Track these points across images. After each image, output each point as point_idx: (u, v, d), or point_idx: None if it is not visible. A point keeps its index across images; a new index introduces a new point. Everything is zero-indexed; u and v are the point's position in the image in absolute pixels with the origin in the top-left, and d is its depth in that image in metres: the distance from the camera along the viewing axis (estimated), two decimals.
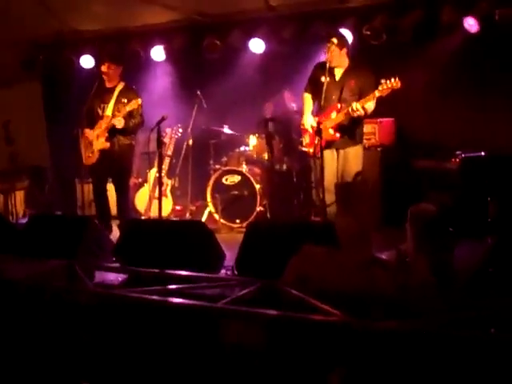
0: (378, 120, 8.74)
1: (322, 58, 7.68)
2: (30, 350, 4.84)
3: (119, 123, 8.30)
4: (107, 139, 8.44)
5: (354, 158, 7.56)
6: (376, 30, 9.02)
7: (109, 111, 8.52)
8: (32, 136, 11.42)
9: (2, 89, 11.18)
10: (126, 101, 8.42)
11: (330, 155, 7.52)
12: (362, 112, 7.30)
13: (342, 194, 6.65)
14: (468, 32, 8.62)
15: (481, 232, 6.92)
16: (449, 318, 3.92)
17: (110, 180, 8.95)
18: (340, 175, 7.58)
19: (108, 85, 8.65)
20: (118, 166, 8.65)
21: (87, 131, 8.56)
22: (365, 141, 8.46)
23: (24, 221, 8.49)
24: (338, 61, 7.54)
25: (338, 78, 7.63)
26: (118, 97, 8.55)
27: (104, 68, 8.60)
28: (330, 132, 7.49)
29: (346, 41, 7.83)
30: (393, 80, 7.21)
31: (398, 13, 9.01)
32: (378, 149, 8.73)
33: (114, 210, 8.94)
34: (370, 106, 7.36)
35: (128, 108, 8.30)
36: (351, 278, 4.69)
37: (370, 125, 8.76)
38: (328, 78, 7.36)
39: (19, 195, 10.58)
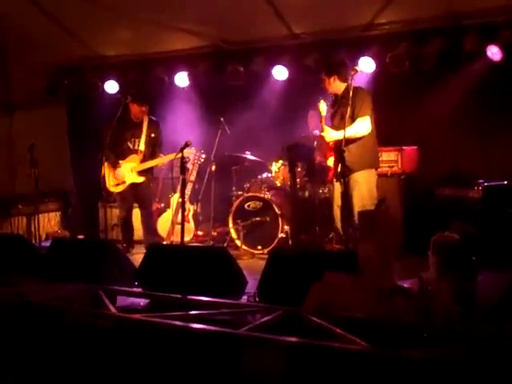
0: (401, 148, 8.72)
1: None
2: (50, 372, 4.86)
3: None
4: (140, 174, 8.99)
5: (365, 182, 7.55)
6: (399, 58, 9.03)
7: (142, 146, 9.06)
8: (56, 160, 11.51)
9: (27, 113, 11.33)
10: (153, 135, 9.12)
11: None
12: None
13: (365, 221, 6.63)
14: (491, 60, 8.61)
15: (504, 261, 6.89)
16: (471, 347, 3.91)
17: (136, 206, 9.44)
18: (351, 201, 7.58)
19: (135, 120, 9.10)
20: (145, 194, 9.30)
21: (121, 162, 9.00)
22: (387, 168, 8.46)
23: (47, 244, 8.53)
24: (331, 89, 7.75)
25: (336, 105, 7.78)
26: (147, 132, 9.10)
27: (133, 107, 9.04)
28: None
29: (335, 68, 7.89)
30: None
31: (421, 41, 9.01)
32: (401, 177, 8.69)
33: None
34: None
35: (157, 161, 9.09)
36: (373, 305, 4.69)
37: (393, 152, 8.73)
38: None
39: (42, 218, 10.65)
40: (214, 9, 8.86)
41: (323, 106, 7.70)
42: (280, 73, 9.95)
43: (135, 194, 9.18)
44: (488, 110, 8.92)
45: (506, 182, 7.88)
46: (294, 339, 4.12)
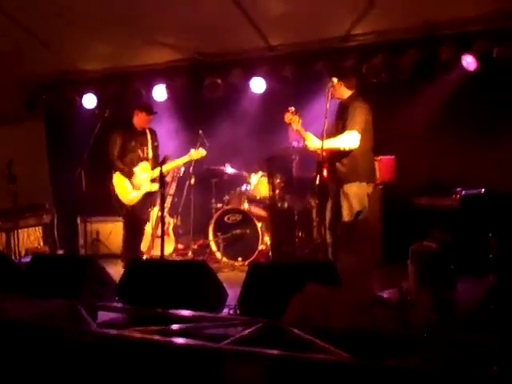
0: (379, 158, 8.73)
1: (322, 96, 7.70)
2: None
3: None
4: (153, 182, 8.99)
5: (355, 195, 7.56)
6: (376, 69, 9.10)
7: (150, 154, 9.10)
8: (35, 174, 11.46)
9: (5, 127, 11.25)
10: (156, 144, 9.17)
11: (333, 191, 7.58)
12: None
13: (344, 232, 6.67)
14: (467, 70, 8.69)
15: (482, 269, 6.94)
16: (450, 356, 3.94)
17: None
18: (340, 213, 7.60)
19: (139, 128, 9.09)
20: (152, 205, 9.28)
21: (135, 170, 8.94)
22: None
23: (27, 259, 8.49)
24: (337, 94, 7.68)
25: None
26: (151, 140, 9.15)
27: (141, 116, 9.05)
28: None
29: (343, 73, 7.92)
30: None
31: (397, 51, 9.09)
32: (379, 186, 8.73)
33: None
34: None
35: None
36: (353, 316, 4.71)
37: None
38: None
39: (22, 234, 10.60)
40: (191, 22, 8.88)
41: (291, 117, 7.69)
42: (258, 85, 10.00)
43: (147, 203, 9.17)
44: (464, 119, 9.01)
45: (483, 191, 7.94)
46: (275, 351, 4.13)
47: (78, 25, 8.92)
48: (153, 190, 8.98)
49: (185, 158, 9.05)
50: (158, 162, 8.87)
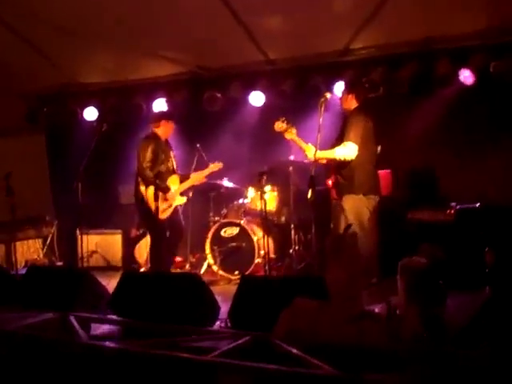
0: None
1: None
2: None
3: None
4: (182, 195, 8.90)
5: (350, 207, 7.61)
6: (374, 83, 9.14)
7: (175, 165, 8.96)
8: (36, 187, 11.53)
9: (6, 140, 11.32)
10: (174, 154, 8.99)
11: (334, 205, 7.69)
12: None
13: (333, 246, 6.67)
14: (464, 84, 8.73)
15: (478, 283, 6.95)
16: (439, 371, 3.95)
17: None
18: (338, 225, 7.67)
19: (163, 140, 8.87)
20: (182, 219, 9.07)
21: (169, 185, 8.73)
22: None
23: (24, 271, 8.53)
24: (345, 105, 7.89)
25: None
26: (171, 151, 8.98)
27: (169, 125, 8.90)
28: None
29: (355, 86, 8.10)
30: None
31: (395, 66, 9.14)
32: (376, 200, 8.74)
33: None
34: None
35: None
36: (341, 331, 4.73)
37: None
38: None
39: (22, 245, 10.65)
40: (191, 36, 8.93)
41: (281, 125, 7.75)
42: (257, 98, 10.05)
43: (174, 218, 8.87)
44: (461, 133, 9.06)
45: (477, 205, 7.96)
46: (262, 365, 4.16)
47: (79, 38, 8.96)
48: (182, 203, 8.92)
49: (206, 171, 9.05)
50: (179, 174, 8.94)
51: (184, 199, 8.94)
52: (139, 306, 6.11)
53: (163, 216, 8.61)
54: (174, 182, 8.81)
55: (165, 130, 8.83)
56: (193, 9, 8.14)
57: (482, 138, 8.90)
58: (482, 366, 4.01)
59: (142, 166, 8.53)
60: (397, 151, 8.91)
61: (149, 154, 8.53)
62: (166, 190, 8.66)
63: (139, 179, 8.61)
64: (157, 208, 8.26)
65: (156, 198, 8.28)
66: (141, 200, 8.62)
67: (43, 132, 12.09)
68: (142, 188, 8.58)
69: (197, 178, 9.10)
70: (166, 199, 8.66)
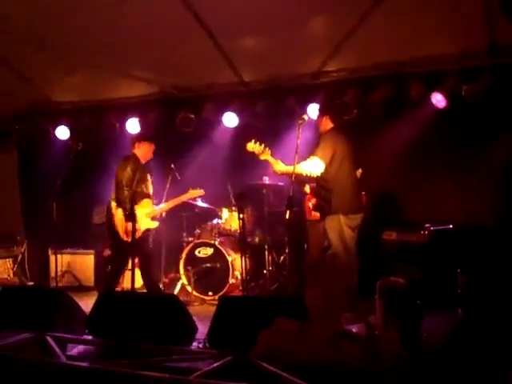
0: None
1: (294, 132, 7.81)
2: None
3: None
4: (153, 219, 8.66)
5: (330, 228, 7.64)
6: (347, 105, 9.22)
7: (151, 189, 8.76)
8: (6, 205, 11.45)
9: None
10: (151, 178, 8.79)
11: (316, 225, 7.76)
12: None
13: (312, 267, 6.72)
14: (436, 107, 8.83)
15: (450, 303, 7.03)
16: None
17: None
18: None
19: (143, 162, 8.73)
20: (150, 243, 8.94)
21: (136, 208, 8.43)
22: None
23: None
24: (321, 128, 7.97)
25: None
26: (149, 175, 8.82)
27: (144, 146, 8.77)
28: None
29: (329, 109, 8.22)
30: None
31: (368, 88, 9.21)
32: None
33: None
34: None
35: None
36: (320, 350, 4.76)
37: None
38: None
39: None
40: (165, 56, 8.94)
41: (253, 146, 7.81)
42: (230, 120, 10.05)
43: (142, 241, 8.59)
44: (433, 155, 9.15)
45: (451, 226, 8.06)
46: None
47: (52, 56, 8.92)
48: (151, 227, 8.69)
49: (184, 197, 8.93)
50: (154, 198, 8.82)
51: (155, 224, 8.72)
52: (116, 326, 6.10)
53: (126, 238, 8.44)
54: (145, 206, 8.63)
55: (143, 152, 8.72)
56: (168, 29, 8.13)
57: (454, 160, 8.99)
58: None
59: (119, 185, 8.44)
60: (370, 173, 8.97)
61: (127, 175, 8.42)
62: (128, 217, 8.39)
63: (112, 198, 8.53)
64: (125, 229, 8.34)
65: (126, 220, 8.34)
66: (110, 219, 8.54)
67: (14, 150, 12.01)
68: (114, 206, 8.48)
69: (173, 203, 8.99)
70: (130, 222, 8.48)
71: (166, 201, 9.08)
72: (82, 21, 7.90)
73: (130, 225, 8.27)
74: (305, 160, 7.49)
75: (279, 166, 7.55)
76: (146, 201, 8.63)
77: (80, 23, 7.97)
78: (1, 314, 6.69)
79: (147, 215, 8.59)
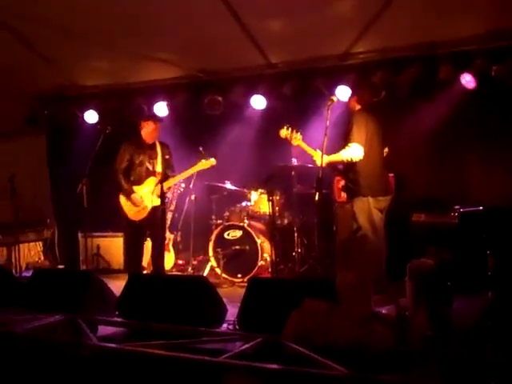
0: None
1: (322, 113, 7.81)
2: None
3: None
4: (159, 196, 8.62)
5: (360, 210, 7.63)
6: (375, 87, 9.16)
7: (159, 167, 8.88)
8: (36, 189, 11.53)
9: (7, 142, 11.30)
10: (167, 157, 8.98)
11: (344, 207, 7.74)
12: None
13: (342, 249, 6.71)
14: (465, 88, 8.75)
15: (480, 286, 6.98)
16: (446, 371, 3.98)
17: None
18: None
19: (148, 141, 8.93)
20: (162, 221, 8.85)
21: (136, 188, 8.75)
22: None
23: (28, 274, 8.53)
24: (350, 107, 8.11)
25: None
26: (161, 153, 8.96)
27: (148, 126, 8.93)
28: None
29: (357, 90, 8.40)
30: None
31: (396, 70, 9.15)
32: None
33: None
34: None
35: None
36: (350, 332, 4.76)
37: None
38: None
39: (23, 248, 10.64)
40: (192, 39, 8.92)
41: (286, 132, 7.82)
42: (258, 102, 10.03)
43: (155, 222, 8.72)
44: (463, 137, 9.07)
45: (481, 208, 7.98)
46: (273, 366, 4.19)
47: (79, 40, 8.90)
48: (154, 204, 8.70)
49: (195, 168, 9.01)
50: (165, 176, 8.92)
51: (157, 201, 8.67)
52: (146, 308, 6.14)
53: (136, 218, 8.73)
54: (149, 184, 8.80)
55: (146, 133, 8.93)
56: (194, 12, 8.09)
57: (483, 142, 8.92)
58: (487, 366, 4.04)
59: (114, 167, 8.76)
60: (399, 155, 8.91)
61: (123, 157, 8.75)
62: (127, 192, 8.75)
63: None
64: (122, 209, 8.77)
65: (127, 200, 8.72)
66: (118, 204, 8.84)
67: (44, 134, 12.09)
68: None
69: (182, 176, 9.14)
70: (132, 203, 8.76)
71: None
72: (109, 4, 7.90)
73: (132, 205, 8.69)
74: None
75: (319, 159, 7.52)
76: (150, 179, 8.82)
77: (106, 7, 7.97)
78: (33, 296, 6.77)
79: (152, 192, 8.74)
